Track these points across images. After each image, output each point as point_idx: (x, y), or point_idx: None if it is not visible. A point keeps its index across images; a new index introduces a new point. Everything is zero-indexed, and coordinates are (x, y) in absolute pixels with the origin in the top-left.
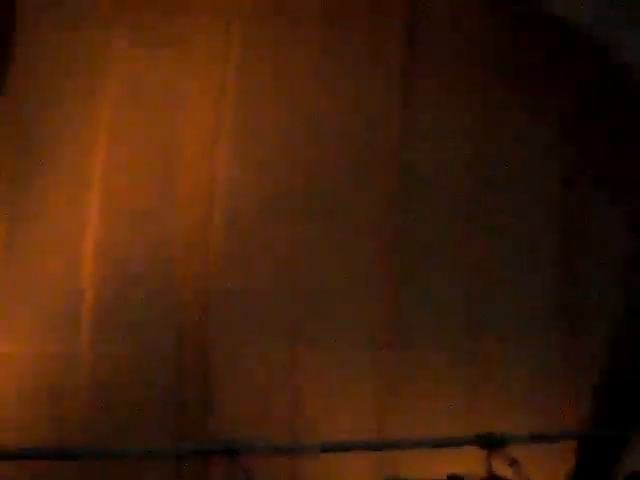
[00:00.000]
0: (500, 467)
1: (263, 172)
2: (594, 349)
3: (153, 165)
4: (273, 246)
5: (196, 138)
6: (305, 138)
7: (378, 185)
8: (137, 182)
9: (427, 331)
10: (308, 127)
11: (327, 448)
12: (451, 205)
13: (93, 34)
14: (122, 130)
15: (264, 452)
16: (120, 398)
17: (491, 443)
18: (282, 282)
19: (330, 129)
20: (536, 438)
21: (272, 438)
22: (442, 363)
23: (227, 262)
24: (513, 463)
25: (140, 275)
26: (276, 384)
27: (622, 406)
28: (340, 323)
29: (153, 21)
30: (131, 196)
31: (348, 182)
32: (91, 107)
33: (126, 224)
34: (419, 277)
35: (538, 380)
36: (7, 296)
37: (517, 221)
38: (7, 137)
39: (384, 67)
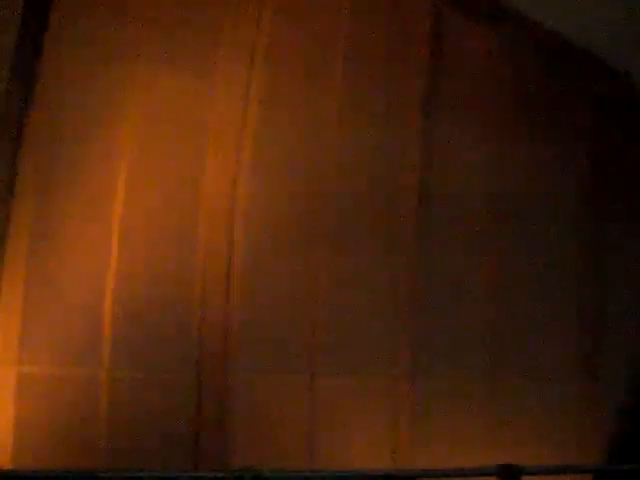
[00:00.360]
0: None
1: (282, 205)
2: (612, 384)
3: (173, 193)
4: (291, 278)
5: (217, 169)
6: (324, 171)
7: (396, 214)
8: (157, 211)
9: (445, 361)
10: (327, 161)
11: (345, 477)
12: (468, 233)
13: (116, 67)
14: (142, 159)
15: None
16: (137, 422)
17: (509, 474)
18: (300, 313)
19: (349, 161)
20: (553, 470)
21: (289, 466)
22: (460, 394)
23: (246, 291)
24: None
25: (160, 303)
26: (294, 413)
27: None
28: (358, 353)
29: (176, 51)
30: (151, 225)
31: (366, 212)
32: (113, 138)
33: (147, 254)
34: (438, 308)
35: (557, 413)
36: (32, 319)
37: (535, 252)
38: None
39: (404, 107)
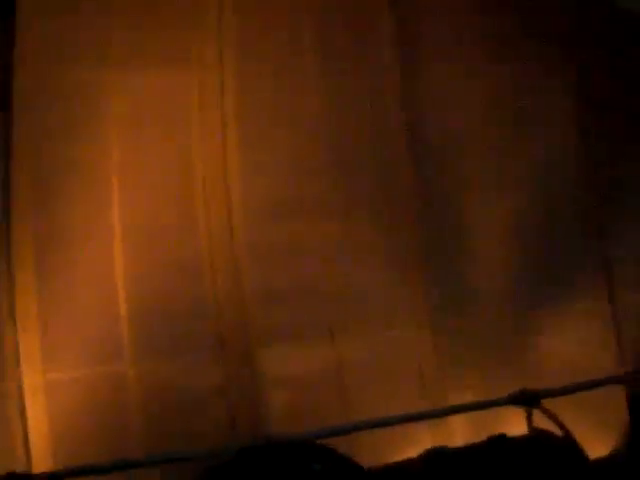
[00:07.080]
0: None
1: (279, 175)
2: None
3: (166, 189)
4: (298, 245)
5: (205, 152)
6: (310, 134)
7: (393, 165)
8: (153, 207)
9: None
10: (311, 121)
11: (375, 424)
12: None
13: (86, 70)
14: (131, 159)
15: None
16: (169, 407)
17: (526, 400)
18: (314, 284)
19: (337, 127)
20: (569, 390)
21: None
22: (487, 333)
23: (255, 266)
24: (552, 417)
25: (172, 288)
26: (322, 379)
27: None
28: (379, 312)
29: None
30: (150, 222)
31: (366, 176)
32: (99, 141)
33: (151, 242)
34: (453, 261)
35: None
36: (49, 329)
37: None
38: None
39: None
